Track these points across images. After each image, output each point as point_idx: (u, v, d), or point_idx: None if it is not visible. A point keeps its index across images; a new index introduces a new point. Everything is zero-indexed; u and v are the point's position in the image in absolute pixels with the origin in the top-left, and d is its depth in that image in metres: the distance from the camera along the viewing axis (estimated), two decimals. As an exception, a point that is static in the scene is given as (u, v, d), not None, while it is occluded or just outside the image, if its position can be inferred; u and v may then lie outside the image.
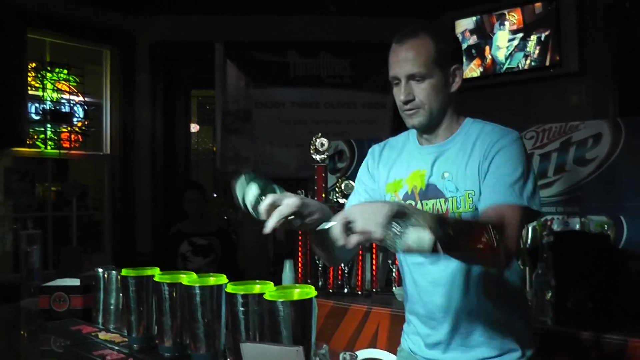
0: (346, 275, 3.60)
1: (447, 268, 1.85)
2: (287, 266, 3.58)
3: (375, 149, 2.08)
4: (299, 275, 3.71)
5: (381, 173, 2.01)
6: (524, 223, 1.76)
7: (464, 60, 5.32)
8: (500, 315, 1.88)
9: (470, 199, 1.79)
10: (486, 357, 1.87)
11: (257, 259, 6.11)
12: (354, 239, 1.38)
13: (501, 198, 1.71)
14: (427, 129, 1.89)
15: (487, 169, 1.76)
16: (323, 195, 3.77)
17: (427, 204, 1.84)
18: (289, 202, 1.54)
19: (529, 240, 3.23)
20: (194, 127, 6.71)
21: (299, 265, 3.73)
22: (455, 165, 1.82)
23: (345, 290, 3.57)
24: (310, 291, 1.46)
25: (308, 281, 3.71)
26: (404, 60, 1.81)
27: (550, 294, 2.87)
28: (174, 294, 1.81)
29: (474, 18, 5.36)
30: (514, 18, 5.13)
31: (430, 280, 1.91)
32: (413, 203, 1.86)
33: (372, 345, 3.10)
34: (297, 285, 1.59)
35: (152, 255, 5.57)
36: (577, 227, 3.31)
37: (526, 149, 1.82)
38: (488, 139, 1.80)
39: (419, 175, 1.88)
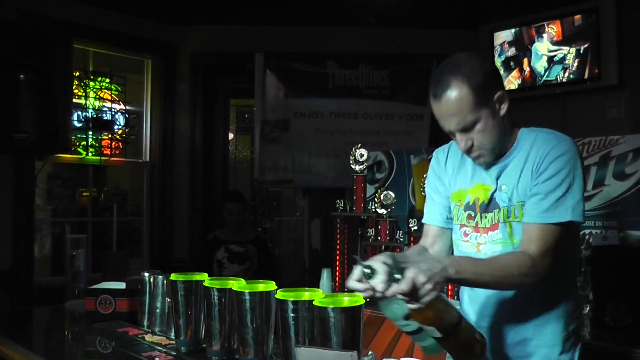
0: (383, 285, 3.62)
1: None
2: (325, 274, 3.62)
3: (439, 152, 2.11)
4: (336, 283, 3.74)
5: (449, 175, 2.04)
6: (561, 237, 1.76)
7: (502, 72, 5.35)
8: (545, 333, 1.89)
9: (522, 209, 1.82)
10: None
11: (293, 267, 6.17)
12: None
13: (541, 218, 1.76)
14: None
15: (536, 179, 1.79)
16: (362, 205, 3.81)
17: (485, 217, 1.90)
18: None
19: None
20: (231, 136, 6.78)
21: (337, 273, 3.77)
22: (511, 177, 1.85)
23: (383, 299, 3.60)
24: (358, 298, 1.49)
25: (345, 290, 3.74)
26: (448, 116, 1.80)
27: (588, 308, 2.87)
28: (223, 300, 1.86)
29: (513, 30, 5.36)
30: (553, 30, 5.12)
31: (465, 297, 1.99)
32: (473, 214, 1.92)
33: (409, 355, 3.11)
34: (345, 293, 1.62)
35: (188, 260, 5.65)
36: (616, 241, 3.30)
37: (578, 153, 1.82)
38: (542, 149, 1.81)
39: (483, 188, 1.91)
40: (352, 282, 1.51)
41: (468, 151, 1.85)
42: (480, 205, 1.91)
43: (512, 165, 1.87)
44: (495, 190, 1.88)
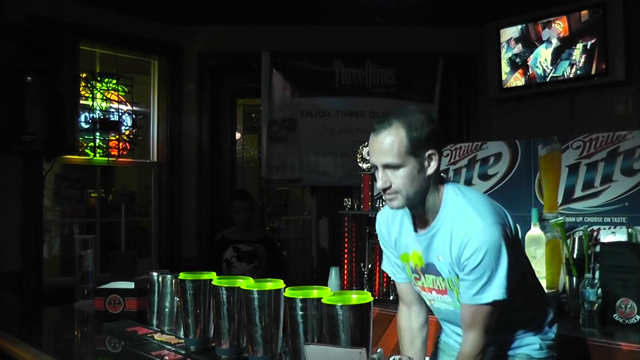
0: (392, 282, 3.62)
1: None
2: (333, 273, 3.61)
3: (381, 218, 2.25)
4: (344, 282, 3.74)
5: (393, 239, 2.18)
6: (492, 312, 1.93)
7: (509, 69, 5.34)
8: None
9: (459, 281, 1.97)
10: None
11: (301, 265, 6.17)
12: None
13: (471, 300, 1.92)
14: (410, 209, 2.04)
15: (462, 269, 1.92)
16: (369, 203, 3.81)
17: (428, 278, 2.06)
18: None
19: (575, 251, 3.23)
20: (238, 135, 6.79)
21: (345, 272, 3.76)
22: (444, 250, 1.97)
23: (391, 297, 3.59)
24: (367, 296, 1.50)
25: (353, 288, 3.74)
26: (379, 151, 1.92)
27: (597, 305, 2.86)
28: (232, 298, 1.87)
29: (519, 26, 5.35)
30: (559, 26, 5.10)
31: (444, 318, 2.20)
32: (418, 276, 2.09)
33: (418, 352, 3.11)
34: (353, 290, 1.63)
35: (197, 260, 5.66)
36: (624, 237, 3.29)
37: (501, 235, 1.90)
38: (462, 234, 1.92)
39: (417, 255, 2.06)
40: None
41: (384, 190, 1.96)
42: (421, 269, 2.07)
43: (440, 238, 1.98)
44: (428, 256, 2.02)
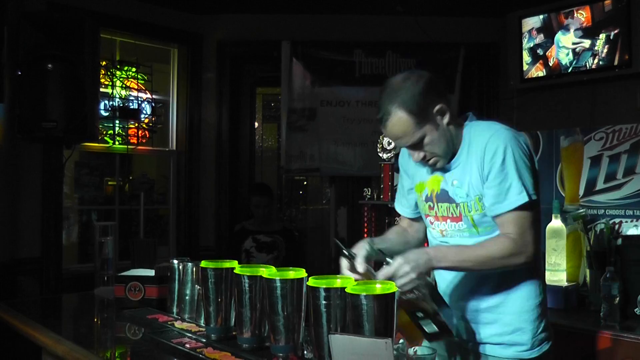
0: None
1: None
2: (352, 263, 3.61)
3: (403, 151, 2.28)
4: (363, 272, 3.74)
5: (412, 168, 2.23)
6: (531, 216, 1.96)
7: (530, 59, 5.29)
8: (508, 301, 2.06)
9: (480, 202, 2.00)
10: (497, 332, 2.06)
11: (319, 256, 6.17)
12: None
13: (502, 208, 1.95)
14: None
15: (487, 175, 1.96)
16: (389, 193, 3.80)
17: (441, 207, 2.10)
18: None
19: (596, 244, 3.20)
20: (258, 124, 6.79)
21: (363, 262, 3.76)
22: (461, 173, 2.03)
23: (410, 288, 3.59)
24: (391, 286, 1.49)
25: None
26: (395, 138, 2.03)
27: (618, 299, 2.84)
28: (254, 287, 1.87)
29: (541, 16, 5.29)
30: (582, 16, 5.04)
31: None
32: (432, 205, 2.12)
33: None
34: (376, 280, 1.63)
35: (215, 249, 5.68)
36: (647, 231, 3.26)
37: (514, 138, 1.98)
38: (480, 143, 1.99)
39: (436, 179, 2.10)
40: (345, 272, 1.84)
41: (423, 161, 2.04)
42: (436, 196, 2.10)
43: (462, 161, 2.04)
44: (445, 181, 2.07)
